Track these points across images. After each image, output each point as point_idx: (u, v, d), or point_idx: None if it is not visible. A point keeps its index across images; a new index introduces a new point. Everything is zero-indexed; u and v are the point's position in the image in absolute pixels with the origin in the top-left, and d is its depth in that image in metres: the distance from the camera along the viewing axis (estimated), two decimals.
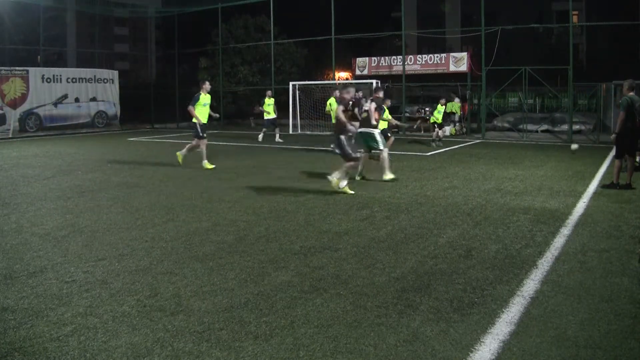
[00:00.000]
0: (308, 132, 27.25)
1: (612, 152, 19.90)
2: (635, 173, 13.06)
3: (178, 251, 7.53)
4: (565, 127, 27.25)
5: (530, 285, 6.14)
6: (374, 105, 13.52)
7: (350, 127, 11.71)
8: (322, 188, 12.41)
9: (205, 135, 16.19)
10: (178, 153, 16.49)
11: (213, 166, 15.93)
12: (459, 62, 29.60)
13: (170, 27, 44.70)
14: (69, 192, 12.19)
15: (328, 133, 29.20)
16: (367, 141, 13.57)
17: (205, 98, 16.07)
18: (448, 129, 28.60)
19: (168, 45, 53.07)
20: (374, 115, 13.50)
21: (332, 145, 15.18)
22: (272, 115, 25.55)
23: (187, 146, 16.56)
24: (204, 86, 16.26)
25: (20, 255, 7.37)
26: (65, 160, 18.44)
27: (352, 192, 11.90)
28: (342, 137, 11.81)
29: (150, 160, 17.67)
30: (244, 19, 42.15)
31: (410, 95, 35.84)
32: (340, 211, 10.05)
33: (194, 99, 16.00)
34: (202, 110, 16.00)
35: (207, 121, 16.29)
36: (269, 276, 6.44)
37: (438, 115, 23.76)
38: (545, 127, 29.26)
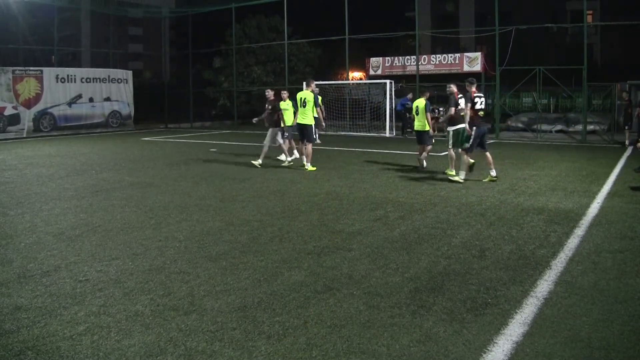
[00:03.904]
0: (321, 132, 27.18)
1: (628, 153, 19.85)
2: None
3: (191, 251, 7.55)
4: (579, 127, 27.06)
5: (544, 286, 6.11)
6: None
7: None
8: (335, 188, 12.42)
9: (313, 138, 15.78)
10: (309, 168, 15.48)
11: (314, 168, 15.55)
12: (472, 62, 29.49)
13: (184, 27, 44.94)
14: (83, 192, 12.24)
15: (342, 133, 29.26)
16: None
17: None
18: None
19: (182, 46, 53.36)
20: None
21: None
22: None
23: (305, 155, 15.67)
24: (312, 85, 15.79)
25: (34, 254, 7.42)
26: (79, 159, 18.52)
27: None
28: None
29: (164, 160, 17.72)
30: (257, 19, 42.20)
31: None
32: (354, 211, 10.05)
33: (316, 99, 15.41)
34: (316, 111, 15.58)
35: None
36: (282, 276, 6.44)
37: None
38: (559, 127, 29.11)
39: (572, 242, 7.94)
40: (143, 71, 64.10)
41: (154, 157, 18.98)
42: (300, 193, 11.92)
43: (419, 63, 30.37)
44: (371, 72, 32.48)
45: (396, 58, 32.06)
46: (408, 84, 32.37)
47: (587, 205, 10.51)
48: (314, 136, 15.57)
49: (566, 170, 15.18)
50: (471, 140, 13.17)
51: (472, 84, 13.39)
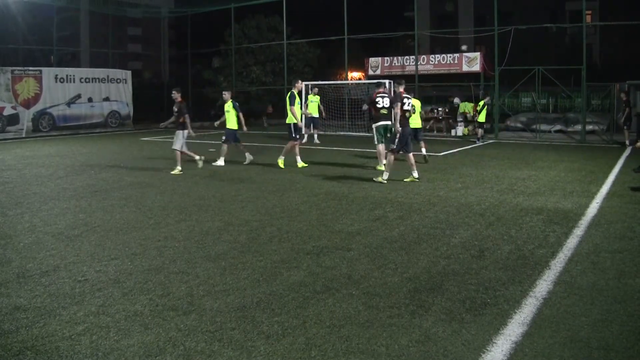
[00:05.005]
0: (321, 132, 27.20)
1: (627, 153, 19.86)
2: None
3: (190, 251, 7.55)
4: (578, 127, 27.06)
5: (543, 286, 6.11)
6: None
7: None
8: (334, 188, 12.42)
9: (299, 136, 15.96)
10: (280, 163, 15.97)
11: (306, 165, 15.95)
12: (471, 62, 29.49)
13: (183, 27, 44.87)
14: (82, 192, 12.24)
15: (342, 133, 29.25)
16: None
17: (298, 97, 15.87)
18: (460, 129, 28.56)
19: (181, 46, 53.30)
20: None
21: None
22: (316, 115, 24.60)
23: (285, 150, 16.19)
24: (297, 85, 15.98)
25: (33, 254, 7.41)
26: (78, 159, 18.51)
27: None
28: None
29: (163, 160, 17.70)
30: (257, 19, 42.19)
31: (423, 95, 35.75)
32: (353, 211, 10.05)
33: (292, 98, 15.60)
34: (298, 109, 15.81)
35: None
36: (281, 276, 6.44)
37: (483, 113, 24.24)
38: (558, 127, 29.10)
39: (571, 242, 7.94)
40: (142, 71, 64.03)
41: (153, 157, 18.97)
42: (300, 193, 11.92)
43: (418, 63, 30.39)
44: (370, 72, 32.48)
45: (395, 58, 32.06)
46: (407, 84, 32.37)
47: (586, 206, 10.51)
48: (294, 135, 15.76)
49: (565, 171, 15.19)
50: (397, 141, 13.29)
51: (399, 84, 13.72)
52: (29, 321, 5.20)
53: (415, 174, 13.41)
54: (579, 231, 8.60)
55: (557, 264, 6.91)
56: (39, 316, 5.32)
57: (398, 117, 13.25)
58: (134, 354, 4.55)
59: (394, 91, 13.91)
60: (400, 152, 13.46)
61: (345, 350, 4.60)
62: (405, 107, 13.34)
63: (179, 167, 15.07)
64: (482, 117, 24.25)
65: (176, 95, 15.71)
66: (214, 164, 16.53)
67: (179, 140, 15.37)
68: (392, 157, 13.30)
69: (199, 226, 8.98)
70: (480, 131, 24.59)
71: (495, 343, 4.74)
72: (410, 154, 13.53)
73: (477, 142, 24.19)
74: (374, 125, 15.12)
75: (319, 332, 4.96)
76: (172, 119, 15.68)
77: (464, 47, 36.31)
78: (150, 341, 4.78)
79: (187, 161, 15.63)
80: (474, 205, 10.60)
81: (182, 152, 15.42)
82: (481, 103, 24.33)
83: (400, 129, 13.26)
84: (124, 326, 5.09)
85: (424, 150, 17.48)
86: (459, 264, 6.92)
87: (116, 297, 5.81)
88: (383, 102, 14.72)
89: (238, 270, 6.65)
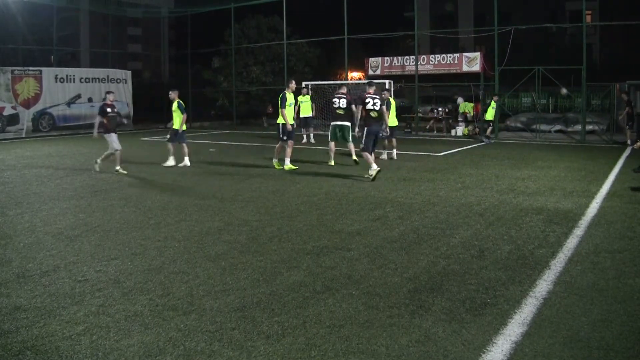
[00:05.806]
0: (321, 132, 27.19)
1: (627, 153, 19.85)
2: None
3: (190, 251, 7.54)
4: (578, 127, 27.06)
5: (543, 286, 6.11)
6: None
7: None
8: (334, 188, 12.42)
9: (286, 137, 15.66)
10: (273, 162, 16.05)
11: (296, 167, 15.83)
12: (471, 62, 29.47)
13: (183, 27, 44.86)
14: (82, 192, 12.24)
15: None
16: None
17: (291, 97, 15.65)
18: (460, 129, 28.56)
19: (181, 45, 53.31)
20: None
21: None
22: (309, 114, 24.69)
23: (276, 151, 16.23)
24: (290, 85, 15.80)
25: (33, 254, 7.41)
26: (78, 159, 18.52)
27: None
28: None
29: (163, 160, 17.68)
30: (256, 19, 42.18)
31: (423, 95, 35.77)
32: (353, 211, 10.04)
33: (282, 100, 15.39)
34: (288, 111, 15.57)
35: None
36: (281, 276, 6.44)
37: (491, 111, 24.51)
38: (558, 127, 29.11)
39: (571, 242, 7.94)
40: (142, 71, 64.08)
41: (153, 157, 18.97)
42: (300, 193, 11.92)
43: (418, 63, 30.38)
44: (370, 72, 32.44)
45: (395, 58, 32.03)
46: (407, 84, 32.38)
47: (586, 206, 10.51)
48: (281, 136, 15.64)
49: (565, 171, 15.18)
50: (364, 139, 13.76)
51: (370, 86, 14.41)
52: (29, 321, 5.20)
53: (373, 168, 13.68)
54: (579, 231, 8.60)
55: (557, 264, 6.91)
56: (39, 316, 5.31)
57: (357, 118, 14.55)
58: (134, 354, 4.55)
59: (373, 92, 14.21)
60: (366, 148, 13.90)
61: (345, 350, 4.60)
62: (369, 107, 13.75)
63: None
64: (489, 115, 24.46)
65: (110, 98, 15.35)
66: (164, 164, 16.71)
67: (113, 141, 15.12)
68: (367, 155, 13.66)
69: (199, 226, 8.98)
70: (490, 129, 24.78)
71: (495, 343, 4.73)
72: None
73: (484, 140, 24.39)
74: (332, 123, 16.72)
75: (319, 332, 4.96)
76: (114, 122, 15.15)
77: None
78: (150, 341, 4.78)
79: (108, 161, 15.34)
80: (474, 205, 10.60)
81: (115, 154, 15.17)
82: (492, 103, 24.64)
83: (357, 129, 14.47)
84: (124, 326, 5.08)
85: (386, 153, 18.43)
86: (459, 264, 6.92)
87: (116, 297, 5.81)
88: (339, 102, 16.10)
89: (238, 270, 6.64)
